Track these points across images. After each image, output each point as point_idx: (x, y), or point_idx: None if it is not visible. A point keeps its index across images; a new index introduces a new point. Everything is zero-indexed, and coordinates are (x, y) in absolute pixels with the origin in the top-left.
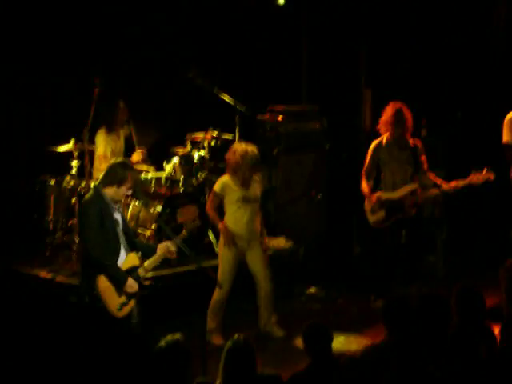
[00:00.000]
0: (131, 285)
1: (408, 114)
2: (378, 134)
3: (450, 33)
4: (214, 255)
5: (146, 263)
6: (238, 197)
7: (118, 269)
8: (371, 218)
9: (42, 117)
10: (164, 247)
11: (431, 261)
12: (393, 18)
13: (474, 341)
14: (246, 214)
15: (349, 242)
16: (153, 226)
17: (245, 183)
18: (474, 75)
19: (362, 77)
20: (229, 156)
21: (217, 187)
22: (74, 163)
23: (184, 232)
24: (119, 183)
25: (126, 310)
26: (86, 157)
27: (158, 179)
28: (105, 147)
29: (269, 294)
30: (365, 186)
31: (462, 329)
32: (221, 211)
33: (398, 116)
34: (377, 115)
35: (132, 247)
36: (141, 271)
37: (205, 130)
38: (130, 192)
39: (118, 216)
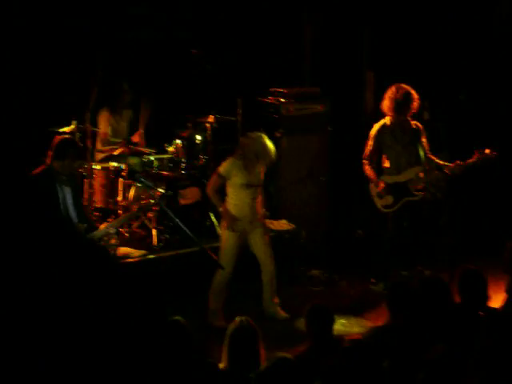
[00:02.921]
0: None
1: (414, 97)
2: (380, 116)
3: (452, 13)
4: (216, 237)
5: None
6: (242, 182)
7: None
8: (379, 203)
9: (43, 99)
10: (103, 229)
11: (433, 243)
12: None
13: (475, 323)
14: (249, 197)
15: (351, 225)
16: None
17: (250, 169)
18: (477, 56)
19: (364, 59)
20: (246, 143)
21: (222, 169)
22: None
23: (135, 209)
24: (63, 158)
25: None
26: (88, 138)
27: (160, 161)
28: (106, 127)
29: (272, 275)
30: (369, 170)
31: (464, 311)
32: (221, 192)
33: (403, 99)
34: (379, 97)
35: (80, 219)
36: None
37: (207, 113)
38: (76, 166)
39: (66, 189)
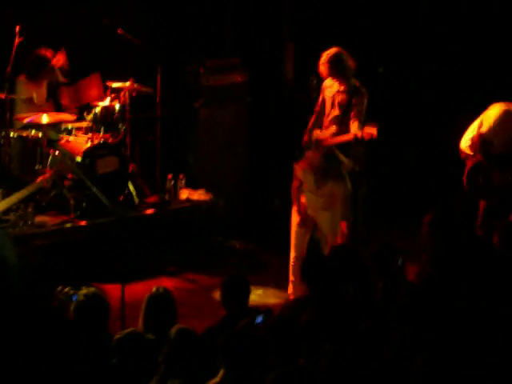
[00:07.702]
0: None
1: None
2: (300, 87)
3: None
4: (133, 206)
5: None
6: None
7: None
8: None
9: None
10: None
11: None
12: None
13: (390, 295)
14: None
15: (269, 196)
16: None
17: None
18: (398, 30)
19: (285, 30)
20: None
21: None
22: None
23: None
24: None
25: None
26: (7, 105)
27: (79, 129)
28: (29, 92)
29: None
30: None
31: (379, 282)
32: None
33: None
34: (299, 68)
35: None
36: None
37: (125, 80)
38: None
39: None
